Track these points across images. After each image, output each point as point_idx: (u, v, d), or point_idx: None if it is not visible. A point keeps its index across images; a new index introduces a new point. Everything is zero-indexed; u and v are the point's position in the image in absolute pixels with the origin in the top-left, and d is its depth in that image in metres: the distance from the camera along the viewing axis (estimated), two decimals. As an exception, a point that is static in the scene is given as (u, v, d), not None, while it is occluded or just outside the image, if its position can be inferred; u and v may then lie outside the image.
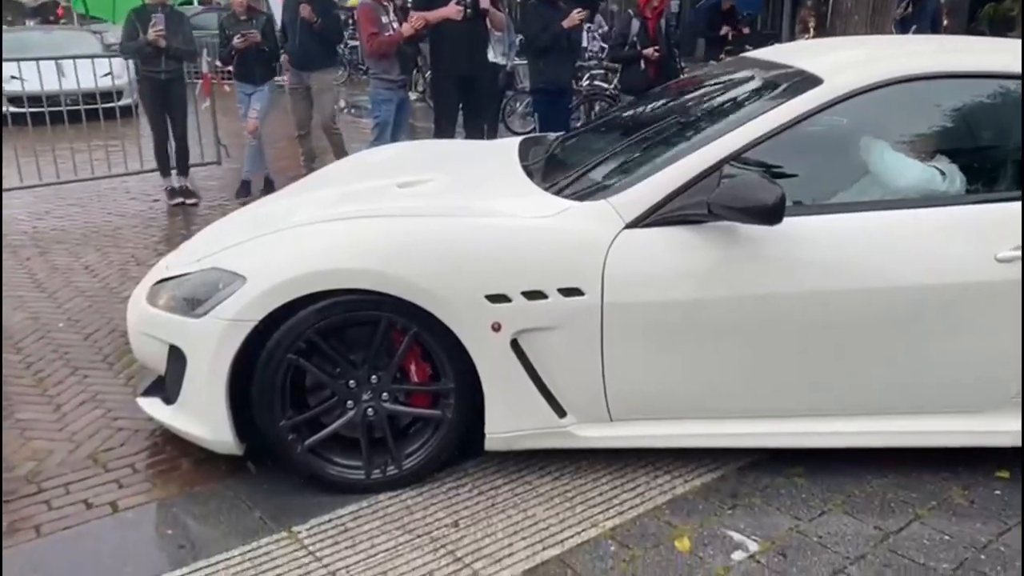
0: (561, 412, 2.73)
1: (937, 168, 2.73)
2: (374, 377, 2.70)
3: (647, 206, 2.62)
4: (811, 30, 14.09)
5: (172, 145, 6.83)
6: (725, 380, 2.69)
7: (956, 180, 2.73)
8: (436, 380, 2.73)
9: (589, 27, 12.54)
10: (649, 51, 7.01)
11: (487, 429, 2.72)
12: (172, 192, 6.87)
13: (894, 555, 2.45)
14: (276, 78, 7.26)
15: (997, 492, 2.76)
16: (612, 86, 9.67)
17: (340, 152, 6.86)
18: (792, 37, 17.26)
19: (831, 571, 2.38)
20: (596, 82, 10.44)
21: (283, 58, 7.19)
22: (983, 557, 2.44)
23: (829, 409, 2.76)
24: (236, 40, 6.61)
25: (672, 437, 2.79)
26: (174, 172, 6.95)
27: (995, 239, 2.58)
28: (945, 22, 17.61)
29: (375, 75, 6.49)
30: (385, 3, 6.30)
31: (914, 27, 8.42)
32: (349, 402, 2.71)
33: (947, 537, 2.53)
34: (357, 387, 2.70)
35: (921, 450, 2.83)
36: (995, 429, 2.75)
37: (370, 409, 2.71)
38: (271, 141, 7.96)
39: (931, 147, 2.80)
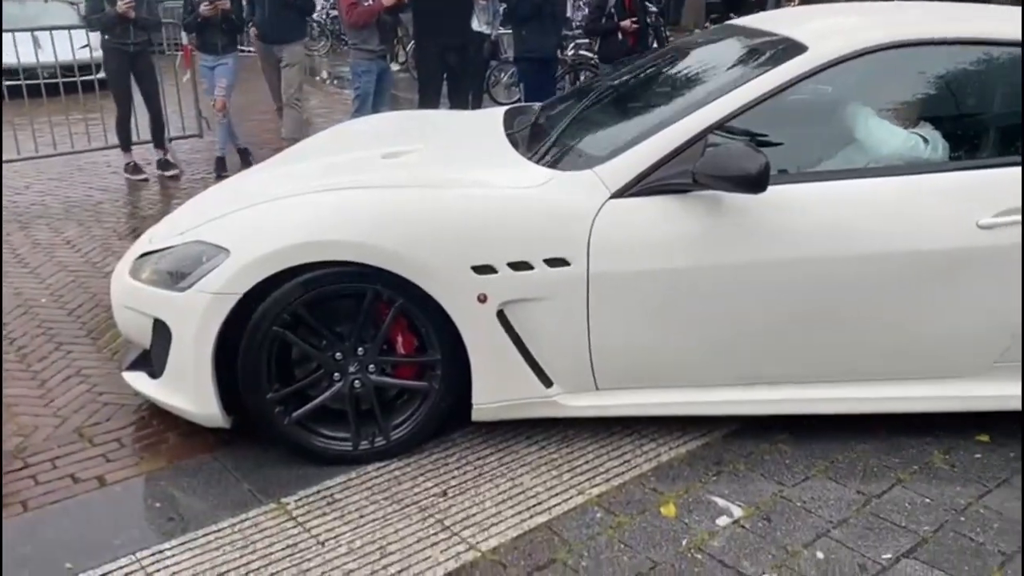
0: (548, 382, 2.75)
1: (920, 135, 2.74)
2: (360, 349, 2.70)
3: (632, 175, 2.61)
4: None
5: (137, 119, 6.70)
6: (711, 348, 2.71)
7: (939, 147, 2.74)
8: (423, 352, 2.74)
9: (574, -6, 12.45)
10: (627, 22, 6.98)
11: (474, 400, 2.74)
12: (134, 168, 6.78)
13: (876, 518, 2.48)
14: (240, 48, 7.08)
15: (977, 456, 2.80)
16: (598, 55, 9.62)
17: (299, 130, 6.61)
18: (778, 4, 17.17)
19: (814, 535, 2.42)
20: (582, 51, 10.36)
21: (252, 31, 7.04)
22: (963, 519, 2.48)
23: (814, 376, 2.78)
24: (203, 7, 6.39)
25: (658, 405, 2.81)
26: (151, 145, 6.86)
27: (977, 206, 2.60)
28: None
29: (354, 46, 6.41)
30: (365, -28, 6.22)
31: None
32: (336, 374, 2.71)
33: (928, 500, 2.57)
34: (343, 359, 2.70)
35: (903, 416, 2.87)
36: (977, 394, 2.78)
37: (357, 381, 2.71)
38: (248, 114, 7.86)
39: (915, 114, 2.81)
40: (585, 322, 2.64)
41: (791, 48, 2.76)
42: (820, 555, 2.34)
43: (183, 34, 7.71)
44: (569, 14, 12.34)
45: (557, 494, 2.61)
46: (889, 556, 2.33)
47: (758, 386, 2.79)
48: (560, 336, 2.67)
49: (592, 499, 2.58)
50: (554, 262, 2.58)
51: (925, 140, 2.73)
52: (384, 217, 2.60)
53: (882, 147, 2.73)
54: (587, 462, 2.77)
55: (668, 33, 11.56)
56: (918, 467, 2.74)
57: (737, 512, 2.52)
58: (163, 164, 6.83)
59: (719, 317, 2.66)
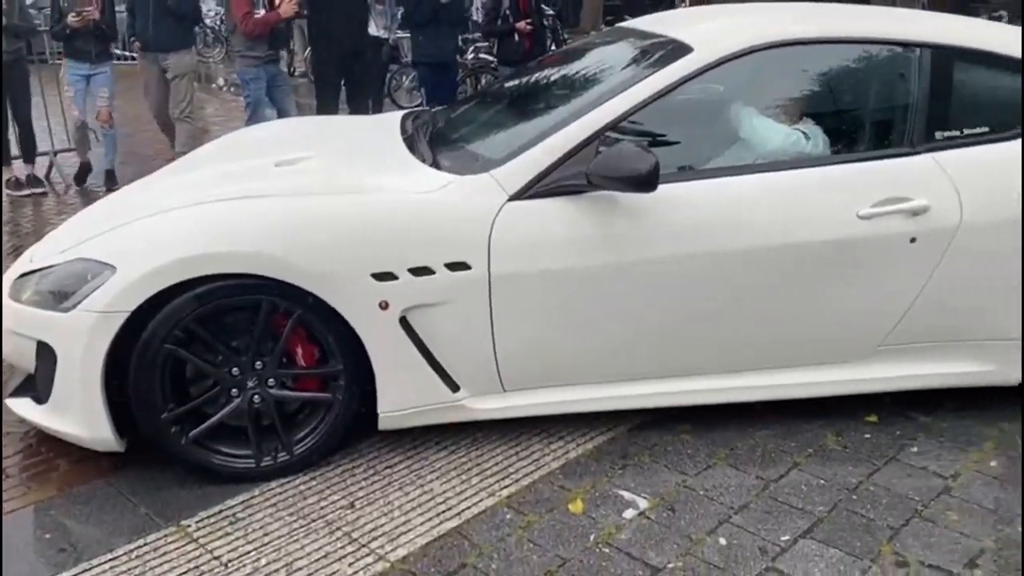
0: (454, 386, 2.74)
1: (802, 131, 2.85)
2: (259, 363, 2.63)
3: (529, 178, 2.64)
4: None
5: (15, 131, 6.39)
6: (613, 345, 2.75)
7: (820, 142, 2.86)
8: (324, 362, 2.69)
9: (475, -1, 12.49)
10: (521, 24, 7.06)
11: (380, 408, 2.71)
12: (16, 183, 6.42)
13: (774, 502, 2.57)
14: (117, 54, 6.75)
15: (867, 436, 2.93)
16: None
17: (193, 143, 6.11)
18: (672, 5, 17.61)
19: (717, 522, 2.48)
20: (482, 55, 10.40)
21: (135, 44, 6.72)
22: (855, 497, 2.59)
23: (713, 368, 2.87)
24: (71, 18, 6.05)
25: (564, 404, 2.84)
26: (20, 161, 6.51)
27: (857, 197, 2.72)
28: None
29: (239, 53, 6.23)
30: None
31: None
32: (234, 390, 2.64)
33: (822, 481, 2.68)
34: (241, 374, 2.63)
35: (799, 401, 2.97)
36: (864, 377, 2.92)
37: (256, 396, 2.64)
38: (140, 125, 7.56)
39: (797, 111, 2.92)
40: (489, 325, 2.65)
41: (678, 49, 2.84)
42: (723, 541, 2.40)
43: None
44: (475, 17, 12.37)
45: (467, 498, 2.60)
46: (787, 538, 2.42)
47: (660, 379, 2.85)
48: (464, 340, 2.67)
49: (502, 500, 2.59)
50: (455, 266, 2.58)
51: (807, 136, 2.84)
52: (278, 226, 2.55)
53: (766, 144, 2.84)
54: (496, 464, 2.78)
55: (566, 35, 11.70)
56: (813, 450, 2.85)
57: (643, 504, 2.57)
58: (31, 180, 6.48)
59: (618, 314, 2.70)
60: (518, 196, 2.63)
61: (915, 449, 2.84)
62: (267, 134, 4.01)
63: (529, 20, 7.07)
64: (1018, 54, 2.89)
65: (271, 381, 2.65)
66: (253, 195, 2.70)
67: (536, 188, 2.64)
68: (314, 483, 2.68)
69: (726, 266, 2.68)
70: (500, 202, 2.62)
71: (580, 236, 2.62)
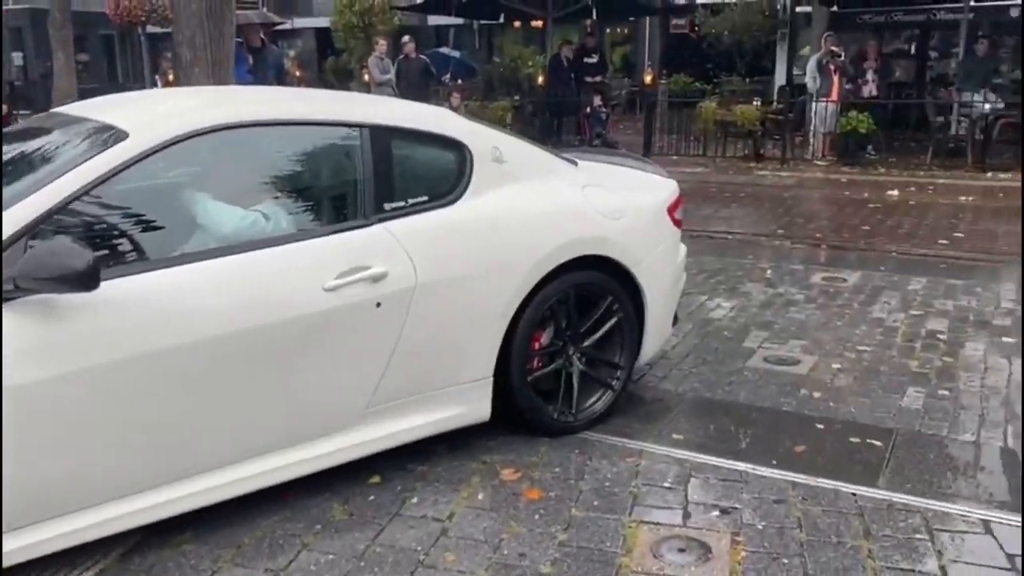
0: None
1: (260, 212, 2.85)
2: None
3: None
4: (170, 79, 13.98)
5: None
6: (76, 466, 2.42)
7: (282, 221, 2.88)
8: None
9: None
10: None
11: None
12: None
13: (284, 592, 2.48)
14: None
15: (371, 497, 3.00)
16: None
17: None
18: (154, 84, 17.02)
19: (223, 633, 2.30)
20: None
21: None
22: (363, 564, 2.62)
23: (204, 465, 2.68)
24: None
25: (30, 548, 2.41)
26: None
27: (322, 271, 2.79)
28: (298, 73, 19.17)
29: None
30: None
31: (250, 77, 8.82)
32: None
33: (331, 556, 2.65)
34: None
35: (304, 480, 2.93)
36: (360, 441, 2.98)
37: None
38: None
39: (255, 192, 2.91)
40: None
41: (113, 135, 2.64)
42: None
43: None
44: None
45: None
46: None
47: (147, 492, 2.58)
48: None
49: None
50: None
51: (266, 216, 2.85)
52: None
53: (222, 228, 2.77)
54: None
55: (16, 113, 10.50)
56: (321, 526, 2.82)
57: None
58: None
59: (80, 432, 2.39)
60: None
61: (415, 500, 2.98)
62: None
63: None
64: (438, 130, 3.22)
65: None
66: None
67: (-50, 302, 2.22)
68: None
69: (188, 359, 2.53)
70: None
71: (19, 350, 2.26)
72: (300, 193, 3.02)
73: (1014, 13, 14.49)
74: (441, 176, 3.21)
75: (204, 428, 2.64)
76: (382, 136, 3.07)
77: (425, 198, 3.11)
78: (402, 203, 3.05)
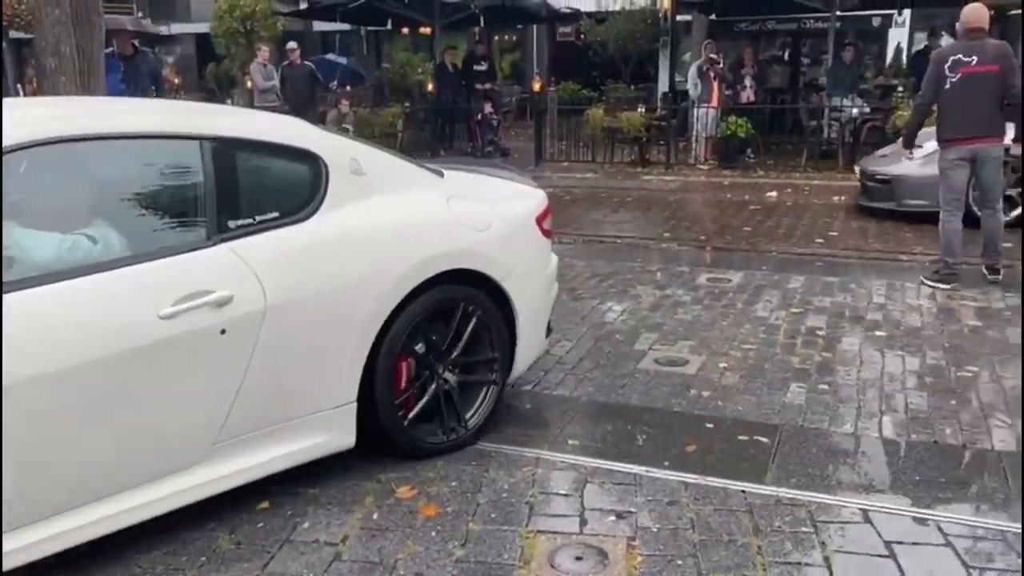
0: None
1: (86, 235, 2.60)
2: None
3: None
4: (35, 88, 13.22)
5: None
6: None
7: (114, 243, 2.63)
8: None
9: None
10: None
11: None
12: None
13: (167, 632, 2.34)
14: None
15: (260, 524, 2.88)
16: None
17: None
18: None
19: None
20: None
21: None
22: (251, 596, 2.51)
23: (49, 510, 2.46)
24: None
25: None
26: None
27: (156, 297, 2.58)
28: (176, 80, 18.50)
29: None
30: None
31: (124, 87, 8.42)
32: None
33: (217, 590, 2.53)
34: None
35: (189, 509, 2.77)
36: (211, 478, 2.77)
37: None
38: None
39: (80, 214, 2.65)
40: None
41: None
42: None
43: None
44: None
45: None
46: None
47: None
48: None
49: None
50: None
51: (93, 239, 2.60)
52: None
53: (36, 255, 2.49)
54: None
55: None
56: (207, 558, 2.69)
57: None
58: None
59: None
60: None
61: (307, 524, 2.88)
62: None
63: None
64: (288, 141, 3.06)
65: None
66: None
67: None
68: None
69: (14, 402, 2.29)
70: None
71: None
72: (133, 213, 2.76)
73: (876, 22, 15.40)
74: (293, 190, 3.05)
75: (49, 470, 2.43)
76: (225, 149, 2.87)
77: (276, 214, 2.93)
78: (249, 220, 2.86)
